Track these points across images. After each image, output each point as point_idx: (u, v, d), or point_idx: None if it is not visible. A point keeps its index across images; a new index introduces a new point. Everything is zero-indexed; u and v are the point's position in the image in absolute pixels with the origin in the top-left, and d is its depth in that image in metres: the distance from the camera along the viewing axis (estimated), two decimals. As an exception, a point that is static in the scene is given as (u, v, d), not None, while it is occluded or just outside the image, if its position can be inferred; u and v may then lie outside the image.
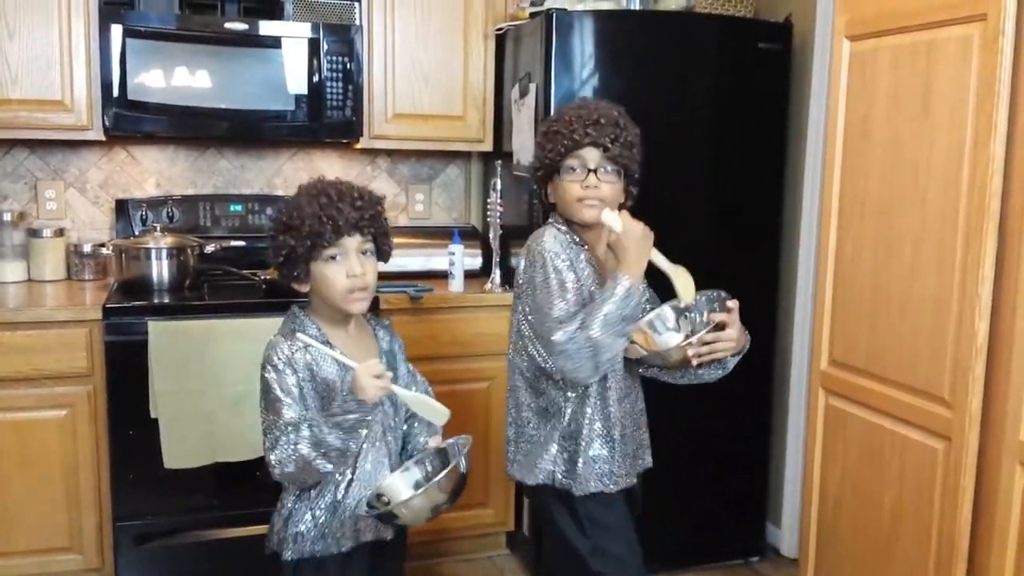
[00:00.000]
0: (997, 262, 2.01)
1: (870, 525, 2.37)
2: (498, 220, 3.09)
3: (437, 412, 1.81)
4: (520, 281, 1.96)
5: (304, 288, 1.84)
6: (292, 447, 1.71)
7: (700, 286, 1.95)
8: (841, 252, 2.47)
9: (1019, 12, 1.94)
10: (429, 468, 1.87)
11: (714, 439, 3.09)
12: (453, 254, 3.09)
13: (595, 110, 1.91)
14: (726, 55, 2.98)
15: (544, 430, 1.98)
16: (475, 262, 3.28)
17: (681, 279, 1.89)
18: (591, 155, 1.89)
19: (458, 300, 3.03)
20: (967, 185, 2.05)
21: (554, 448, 1.95)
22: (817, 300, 2.56)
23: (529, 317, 1.92)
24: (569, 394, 1.94)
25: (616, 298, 1.79)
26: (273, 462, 1.74)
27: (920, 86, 2.17)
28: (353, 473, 1.84)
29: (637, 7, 3.07)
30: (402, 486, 1.84)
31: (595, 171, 1.89)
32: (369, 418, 1.73)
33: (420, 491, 1.76)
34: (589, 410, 1.94)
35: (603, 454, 1.95)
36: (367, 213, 1.79)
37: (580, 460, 1.93)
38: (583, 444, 1.93)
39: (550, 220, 2.00)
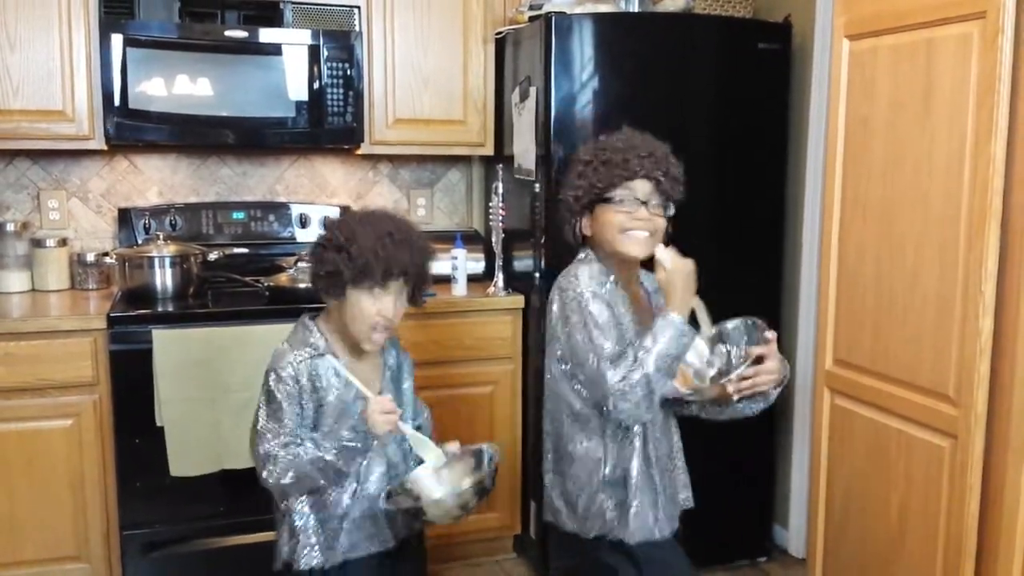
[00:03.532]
0: (1000, 259, 2.01)
1: (877, 524, 2.37)
2: (500, 224, 3.09)
3: (434, 453, 1.84)
4: (552, 321, 1.91)
5: (331, 303, 1.86)
6: (293, 458, 1.74)
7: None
8: (844, 251, 2.46)
9: (1018, 10, 1.94)
10: (460, 467, 1.87)
11: (720, 440, 3.07)
12: (456, 258, 3.09)
13: (646, 142, 1.89)
14: (726, 56, 2.98)
15: (588, 479, 1.91)
16: (478, 266, 3.28)
17: (706, 319, 1.91)
18: (642, 187, 1.86)
19: (461, 304, 3.04)
20: (968, 183, 2.05)
21: (602, 498, 1.90)
22: (821, 300, 2.56)
23: (564, 360, 1.88)
24: (608, 440, 1.90)
25: (669, 336, 1.76)
26: (268, 470, 1.76)
27: (920, 85, 2.17)
28: (358, 483, 1.86)
29: (636, 9, 3.07)
30: (432, 483, 1.84)
31: (646, 204, 1.86)
32: (371, 445, 1.80)
33: (455, 492, 1.78)
34: (631, 455, 1.90)
35: (648, 499, 1.91)
36: (418, 265, 1.83)
37: (630, 509, 1.89)
38: (630, 492, 1.89)
39: (581, 256, 1.95)
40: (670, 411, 2.02)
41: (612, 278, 1.90)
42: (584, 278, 1.86)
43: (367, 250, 1.75)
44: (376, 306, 1.80)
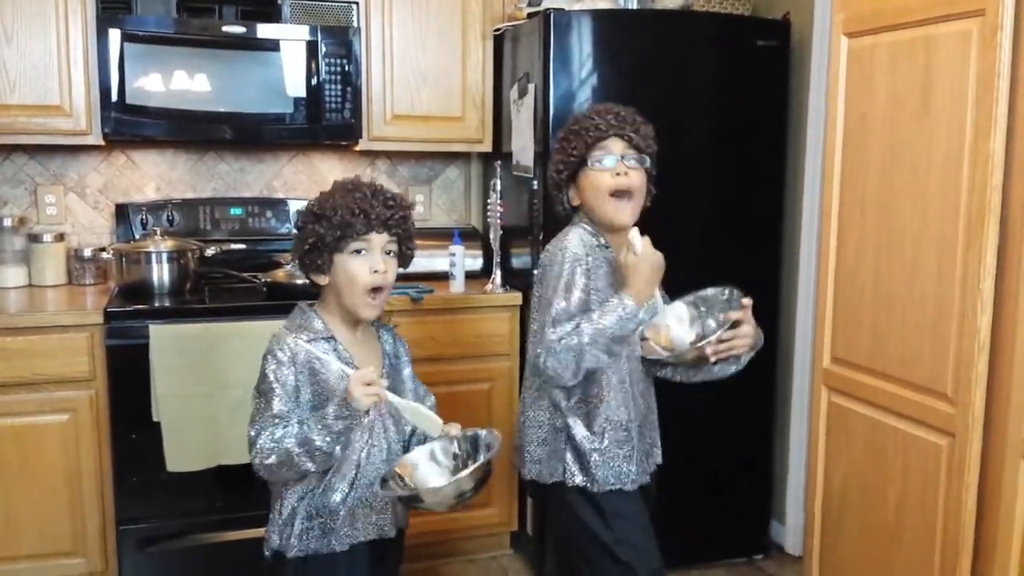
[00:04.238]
0: (998, 256, 2.00)
1: (875, 522, 2.37)
2: (498, 221, 3.09)
3: (430, 421, 1.82)
4: (536, 272, 1.99)
5: (323, 280, 1.85)
6: (277, 439, 1.73)
7: (702, 286, 1.96)
8: (842, 249, 2.46)
9: (1017, 6, 1.94)
10: (457, 451, 1.85)
11: (718, 437, 3.09)
12: (454, 255, 3.09)
13: (612, 106, 1.97)
14: (724, 53, 2.98)
15: (561, 429, 1.99)
16: (476, 263, 3.28)
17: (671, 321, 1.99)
18: (616, 145, 1.93)
19: (459, 301, 3.03)
20: (967, 180, 2.04)
21: (573, 446, 1.98)
22: (819, 298, 2.56)
23: (535, 314, 1.96)
24: (591, 392, 1.96)
25: (615, 316, 1.83)
26: (256, 450, 1.76)
27: (919, 82, 2.17)
28: (357, 470, 1.85)
29: (635, 6, 3.07)
30: (427, 470, 1.84)
31: (622, 159, 1.93)
32: (359, 423, 1.75)
33: (452, 480, 1.75)
34: (609, 408, 1.97)
35: (621, 452, 1.98)
36: (397, 213, 1.85)
37: (599, 457, 1.96)
38: (603, 442, 1.96)
39: (574, 220, 2.02)
40: (650, 372, 2.08)
41: (603, 240, 1.97)
42: (574, 241, 1.93)
43: (343, 207, 1.78)
44: (366, 264, 1.81)
